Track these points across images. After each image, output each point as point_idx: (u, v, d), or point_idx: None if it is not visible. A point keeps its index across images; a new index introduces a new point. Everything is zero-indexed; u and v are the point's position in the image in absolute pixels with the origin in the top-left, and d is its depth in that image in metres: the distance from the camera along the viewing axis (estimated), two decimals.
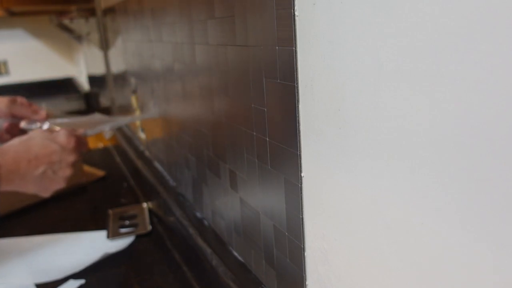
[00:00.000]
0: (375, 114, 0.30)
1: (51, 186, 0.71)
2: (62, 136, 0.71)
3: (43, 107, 0.87)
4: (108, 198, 0.98)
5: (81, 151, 0.75)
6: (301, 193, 0.40)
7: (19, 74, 2.35)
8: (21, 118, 0.84)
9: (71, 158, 0.71)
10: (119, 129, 1.35)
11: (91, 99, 2.04)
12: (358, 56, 0.31)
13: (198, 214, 0.73)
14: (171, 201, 0.81)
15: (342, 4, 0.31)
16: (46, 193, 0.72)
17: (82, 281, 0.67)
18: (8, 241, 0.82)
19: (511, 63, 0.21)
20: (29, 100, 0.87)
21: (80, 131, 0.79)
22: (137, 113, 1.07)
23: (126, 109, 1.22)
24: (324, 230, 0.38)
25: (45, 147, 0.68)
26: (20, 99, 0.85)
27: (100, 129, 0.86)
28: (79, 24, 1.61)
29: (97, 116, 0.90)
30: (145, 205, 0.92)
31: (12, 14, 1.93)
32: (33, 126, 0.84)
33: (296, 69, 0.38)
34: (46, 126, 0.84)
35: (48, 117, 0.86)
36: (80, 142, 0.74)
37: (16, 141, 0.69)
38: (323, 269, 0.39)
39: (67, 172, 0.71)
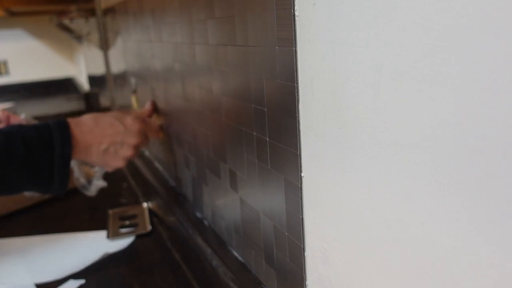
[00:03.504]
0: (375, 114, 0.30)
1: (112, 163, 0.75)
2: (129, 118, 0.76)
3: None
4: (108, 198, 0.98)
5: (146, 135, 0.78)
6: (301, 193, 0.40)
7: (19, 74, 2.35)
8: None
9: (133, 140, 0.75)
10: None
11: (91, 99, 2.04)
12: (358, 56, 0.31)
13: (198, 214, 0.73)
14: (171, 201, 0.81)
15: (342, 4, 0.31)
16: (108, 168, 0.78)
17: (82, 281, 0.67)
18: (8, 241, 0.82)
19: (511, 63, 0.21)
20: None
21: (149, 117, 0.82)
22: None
23: (126, 109, 1.22)
24: (324, 230, 0.38)
25: (111, 126, 0.73)
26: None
27: None
28: (79, 24, 1.61)
29: None
30: (145, 205, 0.92)
31: (12, 14, 1.93)
32: None
33: (296, 69, 0.38)
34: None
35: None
36: (147, 127, 0.78)
37: (90, 115, 0.74)
38: (323, 269, 0.39)
39: (127, 153, 0.75)
